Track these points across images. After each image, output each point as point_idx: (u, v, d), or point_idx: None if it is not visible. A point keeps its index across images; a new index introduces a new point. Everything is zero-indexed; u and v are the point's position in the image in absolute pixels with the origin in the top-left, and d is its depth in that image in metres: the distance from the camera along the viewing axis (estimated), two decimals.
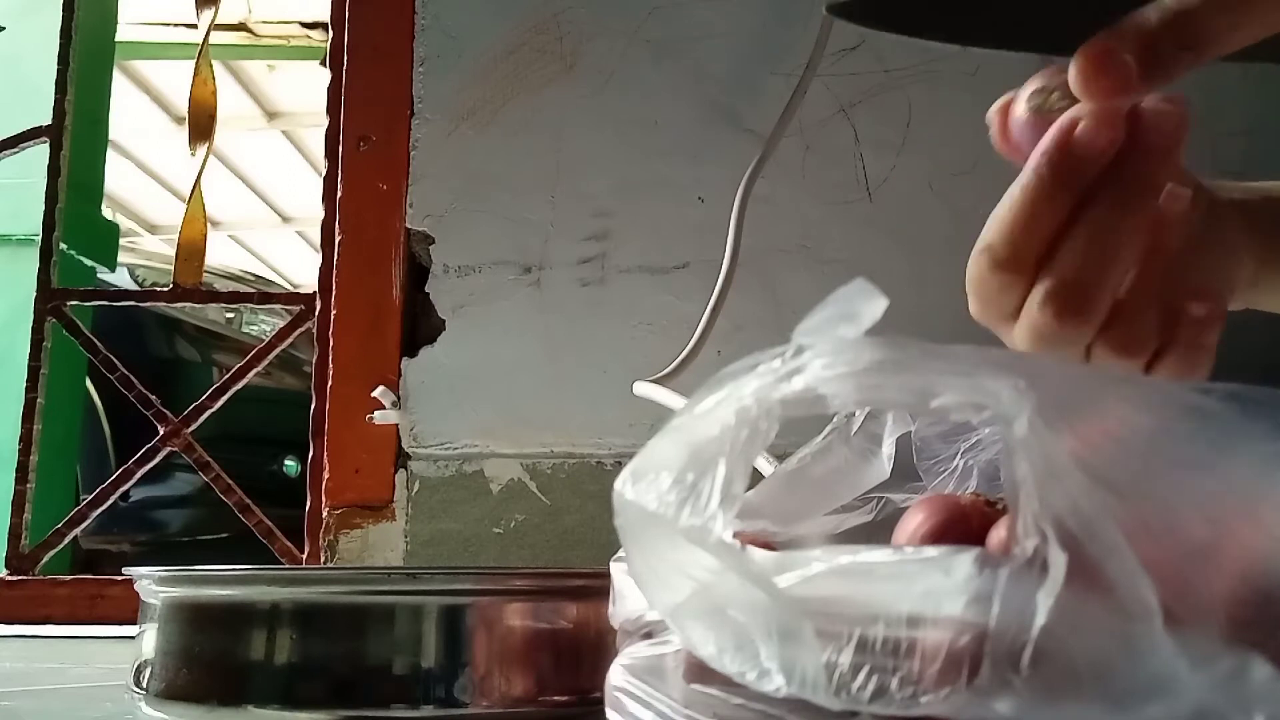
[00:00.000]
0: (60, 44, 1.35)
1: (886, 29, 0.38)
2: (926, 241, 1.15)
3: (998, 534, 0.31)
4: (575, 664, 0.52)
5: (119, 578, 1.18)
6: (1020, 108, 0.37)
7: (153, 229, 5.79)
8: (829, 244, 1.15)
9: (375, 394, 1.13)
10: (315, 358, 1.20)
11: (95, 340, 1.30)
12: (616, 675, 0.35)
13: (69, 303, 1.30)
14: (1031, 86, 0.37)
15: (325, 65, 1.25)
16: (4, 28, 1.82)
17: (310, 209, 1.76)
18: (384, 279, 1.17)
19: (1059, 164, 0.36)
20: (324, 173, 1.23)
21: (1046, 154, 0.36)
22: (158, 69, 4.25)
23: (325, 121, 1.23)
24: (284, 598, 0.52)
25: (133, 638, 0.59)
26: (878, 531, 0.43)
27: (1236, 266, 0.43)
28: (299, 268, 6.29)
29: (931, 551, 0.26)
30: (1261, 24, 0.33)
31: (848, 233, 1.15)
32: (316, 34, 3.64)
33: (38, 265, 1.30)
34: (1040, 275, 0.38)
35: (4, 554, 1.23)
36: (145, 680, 0.55)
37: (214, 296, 1.50)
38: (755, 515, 0.41)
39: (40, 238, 1.31)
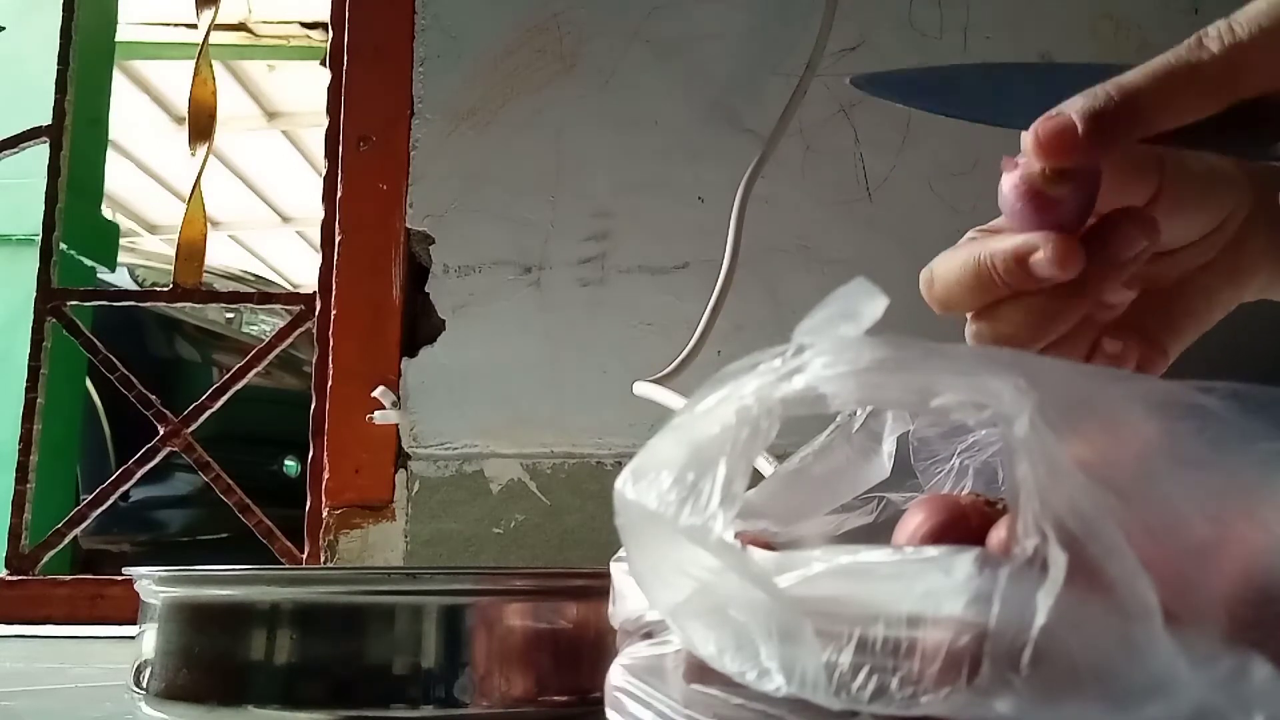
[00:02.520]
0: (60, 44, 1.35)
1: (908, 104, 0.44)
2: (926, 241, 1.14)
3: (998, 534, 0.31)
4: (575, 664, 0.52)
5: (119, 578, 1.18)
6: (1005, 178, 0.39)
7: (153, 229, 5.79)
8: (829, 244, 1.15)
9: (375, 394, 1.13)
10: (315, 358, 1.20)
11: (95, 340, 1.29)
12: (616, 675, 0.35)
13: (69, 303, 1.30)
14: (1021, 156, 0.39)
15: (325, 65, 1.25)
16: (4, 28, 1.82)
17: (310, 209, 1.76)
18: (384, 279, 1.17)
19: (1012, 274, 0.38)
20: (324, 173, 1.23)
21: (1003, 261, 0.38)
22: (158, 69, 4.25)
23: (325, 121, 1.23)
24: (284, 598, 0.52)
25: (133, 638, 0.59)
26: (878, 531, 0.43)
27: (1235, 291, 0.44)
28: (299, 268, 6.29)
29: (931, 551, 0.26)
30: (1194, 107, 0.36)
31: (848, 233, 1.15)
32: (316, 34, 3.64)
33: (38, 265, 1.30)
34: (975, 317, 0.41)
35: (4, 554, 1.23)
36: (145, 680, 0.55)
37: (214, 296, 1.50)
38: (756, 515, 0.41)
39: (40, 238, 1.31)
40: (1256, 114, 0.36)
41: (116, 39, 1.83)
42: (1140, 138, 0.36)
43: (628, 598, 0.37)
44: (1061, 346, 0.41)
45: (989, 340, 0.41)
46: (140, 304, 2.34)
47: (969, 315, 0.41)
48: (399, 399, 1.14)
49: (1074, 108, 0.36)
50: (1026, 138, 0.37)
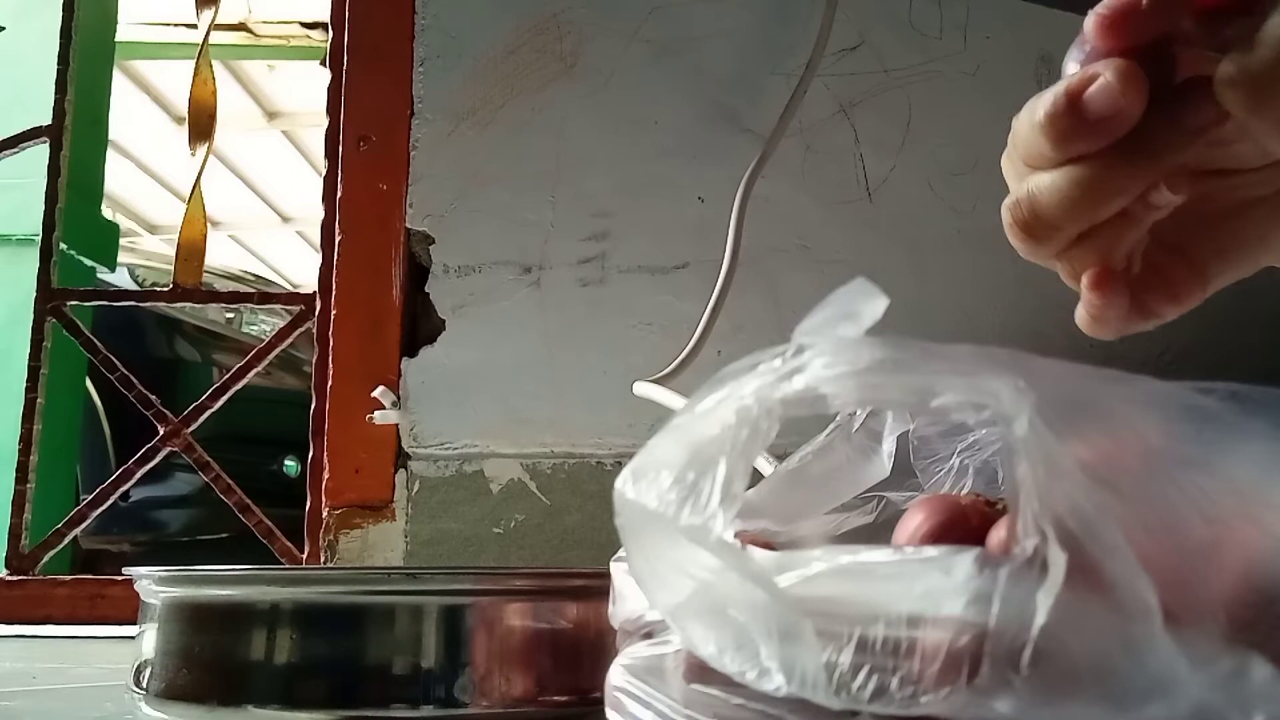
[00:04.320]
0: (60, 44, 1.35)
1: None
2: (926, 241, 1.15)
3: (998, 534, 0.31)
4: (575, 664, 0.53)
5: (119, 578, 1.18)
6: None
7: (153, 229, 5.78)
8: (829, 244, 1.15)
9: (375, 394, 1.13)
10: (315, 358, 1.20)
11: (95, 340, 1.29)
12: (616, 675, 0.35)
13: (69, 303, 1.30)
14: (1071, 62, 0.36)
15: (325, 65, 1.25)
16: (4, 28, 1.82)
17: (310, 209, 1.76)
18: (384, 279, 1.17)
19: (1059, 120, 0.35)
20: (324, 173, 1.23)
21: (1053, 103, 0.35)
22: (158, 69, 4.24)
23: (325, 121, 1.23)
24: (284, 598, 0.52)
25: (133, 638, 0.59)
26: (878, 531, 0.43)
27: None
28: (299, 268, 6.29)
29: (931, 551, 0.26)
30: None
31: (848, 233, 1.15)
32: (316, 34, 3.63)
33: (38, 265, 1.30)
34: (1020, 184, 0.38)
35: (4, 554, 1.23)
36: (145, 680, 0.55)
37: (214, 296, 1.50)
38: (756, 515, 0.41)
39: (40, 238, 1.31)
40: None
41: (116, 39, 1.83)
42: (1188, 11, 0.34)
43: (628, 598, 0.37)
44: (1103, 238, 0.38)
45: (1022, 222, 0.37)
46: (140, 304, 2.34)
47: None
48: (399, 399, 1.14)
49: None
50: (1089, 22, 0.34)
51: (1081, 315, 0.41)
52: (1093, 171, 0.36)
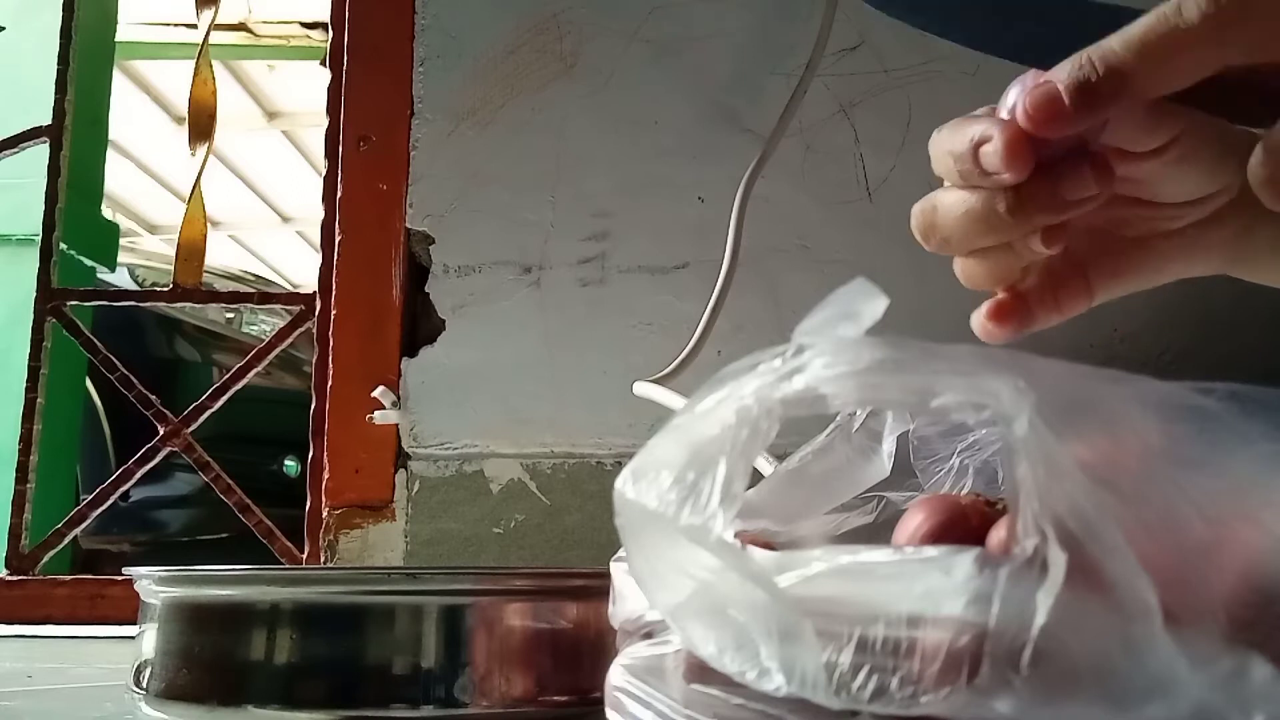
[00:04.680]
0: (60, 44, 1.35)
1: (916, 24, 0.41)
2: None
3: (998, 534, 0.31)
4: (575, 664, 0.52)
5: (119, 578, 1.18)
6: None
7: (153, 229, 5.79)
8: (829, 244, 1.15)
9: (375, 394, 1.13)
10: (315, 358, 1.20)
11: (95, 340, 1.29)
12: (616, 675, 0.35)
13: (69, 303, 1.30)
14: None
15: (325, 65, 1.25)
16: (4, 28, 1.82)
17: (310, 209, 1.76)
18: (384, 279, 1.17)
19: (962, 160, 0.39)
20: (324, 173, 1.23)
21: (961, 144, 0.39)
22: (158, 69, 4.25)
23: (325, 121, 1.23)
24: (284, 598, 0.52)
25: (133, 638, 0.59)
26: (878, 531, 0.43)
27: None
28: (299, 268, 6.29)
29: (931, 551, 0.26)
30: (1179, 75, 0.35)
31: (848, 233, 1.15)
32: (316, 34, 3.64)
33: (38, 265, 1.30)
34: (930, 191, 0.42)
35: (4, 554, 1.23)
36: (145, 680, 0.55)
37: (214, 296, 1.50)
38: (756, 515, 0.41)
39: (40, 238, 1.31)
40: (1250, 81, 0.35)
41: (116, 39, 1.83)
42: (1128, 105, 0.36)
43: (628, 598, 0.37)
44: (991, 260, 0.41)
45: (921, 227, 0.41)
46: (140, 304, 2.34)
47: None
48: (399, 399, 1.14)
49: (1059, 77, 0.36)
50: (1011, 96, 0.37)
51: (976, 323, 0.44)
52: (980, 207, 0.39)
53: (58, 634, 1.19)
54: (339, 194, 1.20)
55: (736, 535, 0.28)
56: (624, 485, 0.31)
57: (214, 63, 1.39)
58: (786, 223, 1.15)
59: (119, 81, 2.76)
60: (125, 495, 1.32)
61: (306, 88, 4.28)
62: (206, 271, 1.35)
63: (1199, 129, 0.39)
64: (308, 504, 1.17)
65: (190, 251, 1.31)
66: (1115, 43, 0.35)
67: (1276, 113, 0.35)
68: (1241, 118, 0.37)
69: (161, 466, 1.29)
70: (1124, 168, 0.39)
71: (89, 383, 2.24)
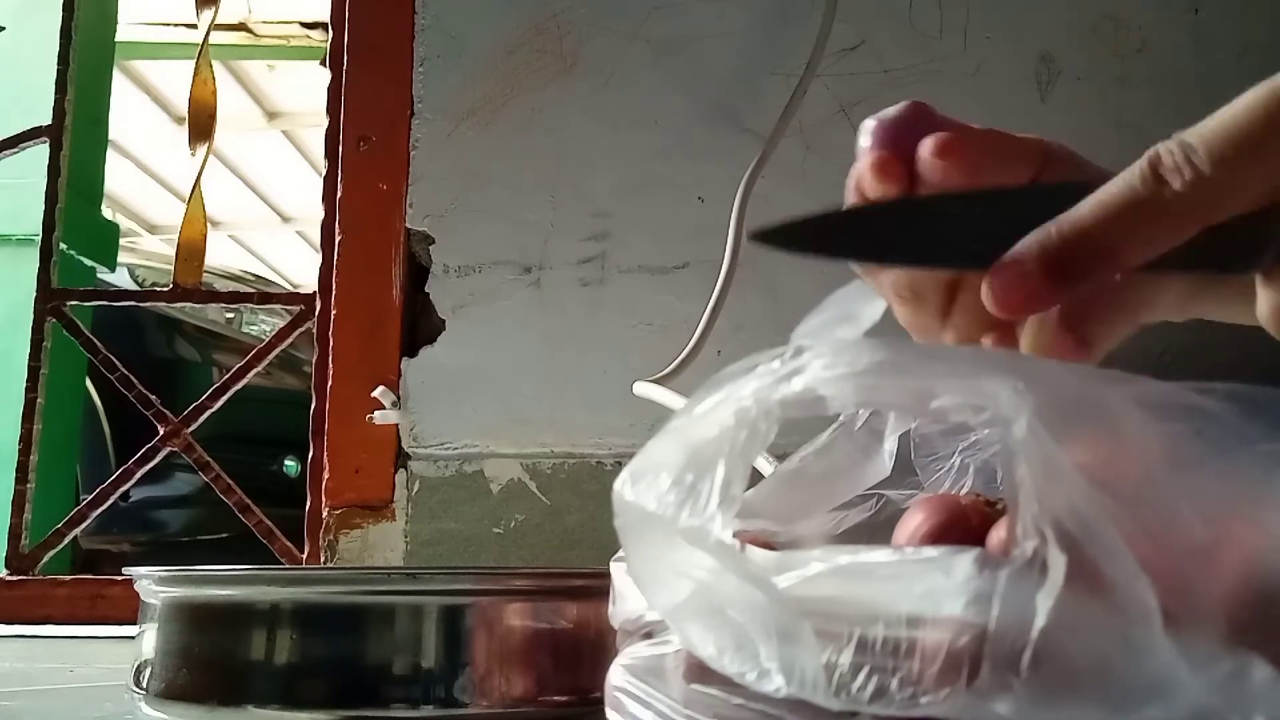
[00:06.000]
0: (60, 44, 1.35)
1: (808, 255, 0.39)
2: None
3: (997, 534, 0.31)
4: (575, 664, 0.53)
5: (119, 578, 1.18)
6: None
7: (153, 229, 5.78)
8: None
9: (375, 394, 1.13)
10: (315, 358, 1.20)
11: (95, 340, 1.29)
12: (616, 675, 0.35)
13: (69, 303, 1.30)
14: None
15: (325, 65, 1.24)
16: (4, 28, 1.82)
17: (310, 209, 1.76)
18: (384, 279, 1.17)
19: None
20: (324, 173, 1.23)
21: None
22: (158, 69, 4.24)
23: (325, 121, 1.23)
24: (284, 598, 0.52)
25: (133, 638, 0.59)
26: (878, 530, 0.43)
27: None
28: (299, 268, 6.29)
29: (931, 552, 0.26)
30: (1156, 244, 0.33)
31: None
32: (316, 34, 3.63)
33: (38, 265, 1.30)
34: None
35: (4, 554, 1.23)
36: (145, 680, 0.55)
37: (214, 296, 1.50)
38: (755, 515, 0.41)
39: (40, 238, 1.31)
40: (1227, 232, 0.33)
41: (116, 39, 1.83)
42: (1105, 277, 0.33)
43: (628, 598, 0.37)
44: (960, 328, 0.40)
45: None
46: (140, 304, 2.34)
47: None
48: (399, 399, 1.14)
49: (1028, 255, 0.33)
50: (983, 290, 0.34)
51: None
52: (919, 323, 0.39)
53: (58, 634, 1.19)
54: (339, 194, 1.20)
55: (735, 536, 0.28)
56: (623, 487, 0.31)
57: (214, 63, 1.39)
58: None
59: (119, 81, 2.75)
60: (125, 495, 1.32)
61: (306, 88, 4.28)
62: (206, 271, 1.35)
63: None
64: (308, 504, 1.17)
65: (190, 251, 1.31)
66: (1088, 212, 0.33)
67: (1240, 259, 0.33)
68: (1203, 268, 0.35)
69: (161, 466, 1.29)
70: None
71: (89, 383, 2.24)
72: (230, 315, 3.23)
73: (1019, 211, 0.34)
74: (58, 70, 1.34)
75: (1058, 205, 0.33)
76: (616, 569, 0.40)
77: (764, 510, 0.42)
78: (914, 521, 0.35)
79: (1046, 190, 0.35)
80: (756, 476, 0.39)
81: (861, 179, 0.39)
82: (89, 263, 1.85)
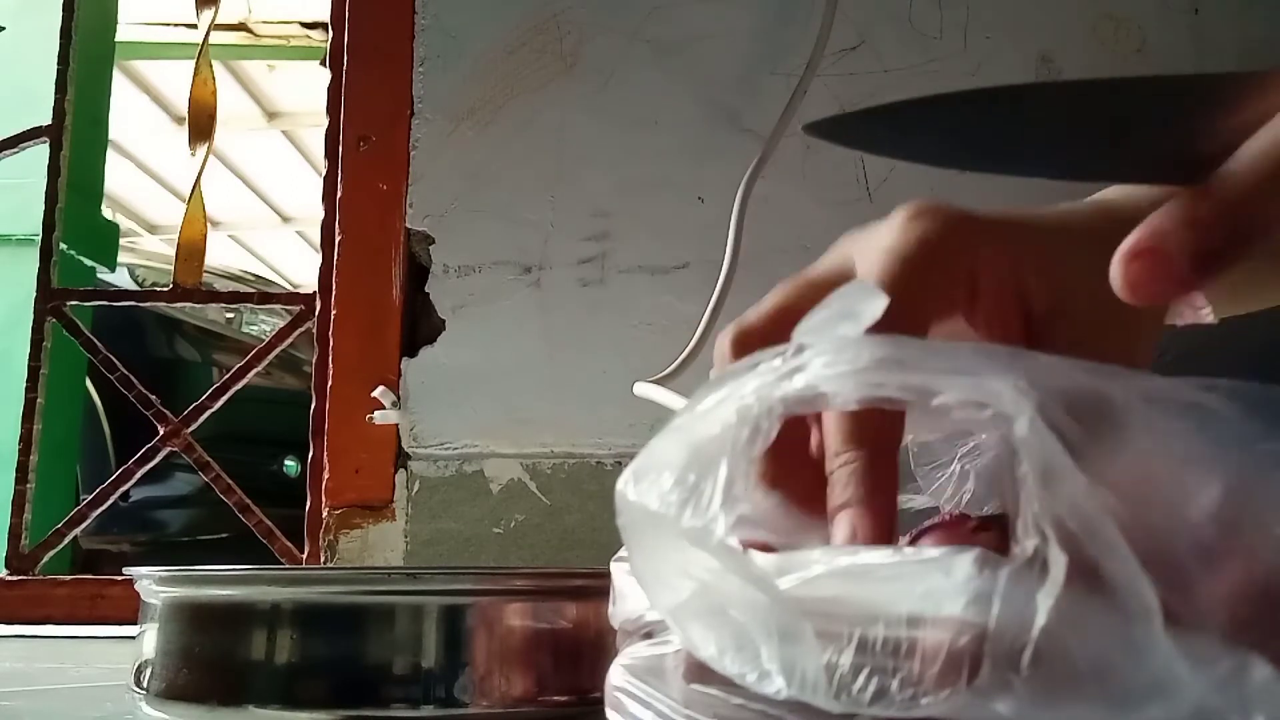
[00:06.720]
0: (60, 44, 1.35)
1: (872, 151, 0.35)
2: None
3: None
4: (575, 664, 0.52)
5: (119, 578, 1.18)
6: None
7: (153, 229, 5.79)
8: (829, 244, 1.15)
9: (375, 394, 1.13)
10: (315, 358, 1.20)
11: (95, 340, 1.29)
12: (616, 675, 0.35)
13: (69, 303, 1.30)
14: None
15: (325, 65, 1.25)
16: (4, 28, 1.82)
17: (310, 209, 1.76)
18: (384, 279, 1.17)
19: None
20: (324, 173, 1.23)
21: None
22: (158, 69, 4.25)
23: (325, 121, 1.23)
24: (284, 598, 0.52)
25: (133, 638, 0.59)
26: None
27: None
28: (299, 268, 6.29)
29: (931, 552, 0.26)
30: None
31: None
32: (316, 34, 3.64)
33: (38, 265, 1.30)
34: None
35: (4, 554, 1.23)
36: (145, 680, 0.55)
37: (214, 296, 1.50)
38: (757, 527, 0.41)
39: (40, 238, 1.31)
40: None
41: (116, 39, 1.83)
42: (1242, 263, 0.29)
43: (628, 598, 0.37)
44: None
45: None
46: (140, 304, 2.34)
47: None
48: (399, 399, 1.14)
49: (1171, 237, 0.29)
50: (1114, 272, 0.29)
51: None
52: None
53: (58, 634, 1.19)
54: (339, 194, 1.20)
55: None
56: (625, 486, 0.31)
57: (214, 63, 1.39)
58: (786, 223, 1.15)
59: (119, 81, 2.76)
60: (125, 495, 1.32)
61: (306, 88, 4.28)
62: (206, 271, 1.35)
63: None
64: (308, 504, 1.17)
65: (190, 251, 1.31)
66: (1243, 176, 0.28)
67: None
68: None
69: (161, 466, 1.29)
70: None
71: (89, 383, 2.24)
72: (230, 315, 3.23)
73: (1119, 111, 0.29)
74: (58, 70, 1.34)
75: (1174, 101, 0.29)
76: (616, 569, 0.40)
77: (764, 524, 0.42)
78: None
79: (1157, 84, 0.30)
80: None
81: None
82: (89, 263, 1.85)
